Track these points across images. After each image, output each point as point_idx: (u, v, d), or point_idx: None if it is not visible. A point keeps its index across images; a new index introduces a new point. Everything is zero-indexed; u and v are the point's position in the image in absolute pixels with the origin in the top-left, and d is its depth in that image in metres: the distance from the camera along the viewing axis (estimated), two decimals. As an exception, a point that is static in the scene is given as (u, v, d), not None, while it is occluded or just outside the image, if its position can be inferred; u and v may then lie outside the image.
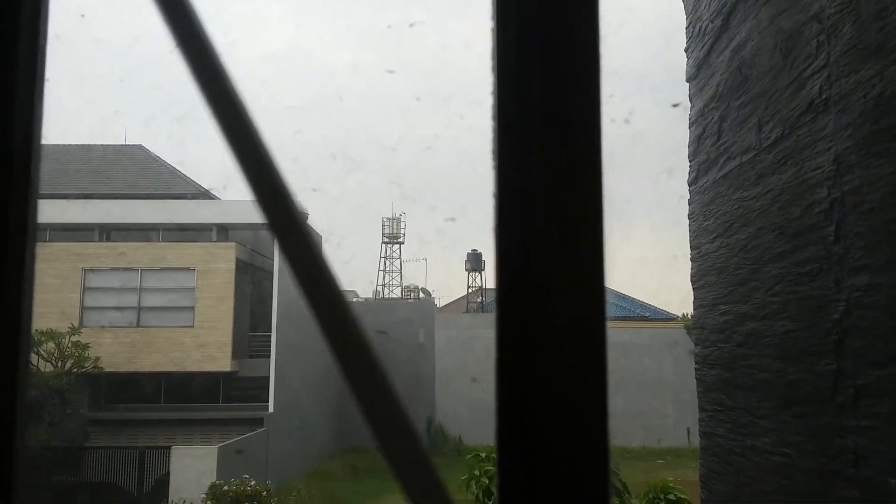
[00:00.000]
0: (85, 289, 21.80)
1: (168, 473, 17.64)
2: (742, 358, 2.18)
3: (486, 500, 8.12)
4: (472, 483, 8.49)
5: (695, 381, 2.54)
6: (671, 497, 8.07)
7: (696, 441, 2.94)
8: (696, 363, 2.59)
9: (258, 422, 21.07)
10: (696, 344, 2.57)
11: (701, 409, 2.50)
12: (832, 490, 1.68)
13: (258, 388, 22.24)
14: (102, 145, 26.94)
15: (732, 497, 2.22)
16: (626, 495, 8.27)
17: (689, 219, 2.55)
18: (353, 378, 0.40)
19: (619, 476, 8.15)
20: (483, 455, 8.74)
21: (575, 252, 0.55)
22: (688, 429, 25.16)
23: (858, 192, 1.53)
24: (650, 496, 8.16)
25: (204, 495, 16.76)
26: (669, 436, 25.93)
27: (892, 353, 1.49)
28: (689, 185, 2.53)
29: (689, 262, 2.52)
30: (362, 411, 0.38)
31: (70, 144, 25.59)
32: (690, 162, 2.52)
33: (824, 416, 1.71)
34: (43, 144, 0.60)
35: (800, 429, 1.84)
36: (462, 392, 28.16)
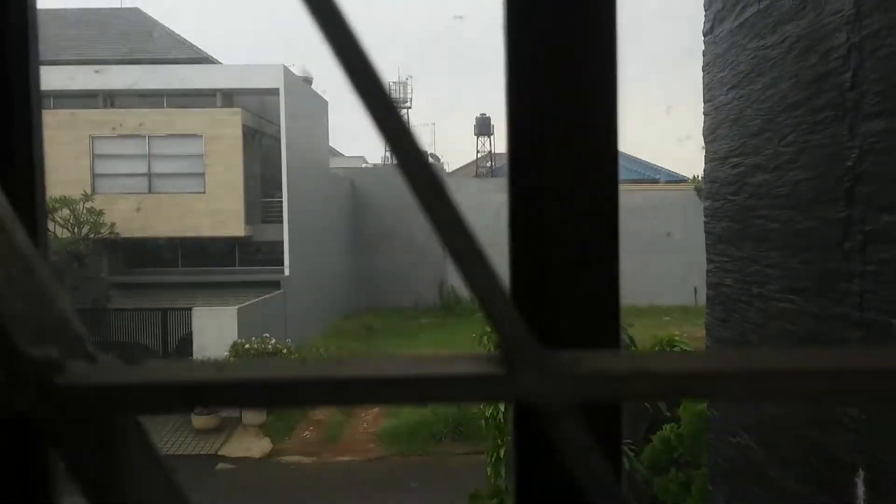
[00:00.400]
0: (94, 156, 21.80)
1: (191, 333, 18.32)
2: (752, 209, 2.20)
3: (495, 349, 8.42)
4: (485, 338, 8.82)
5: (703, 240, 2.57)
6: (677, 349, 8.38)
7: (702, 300, 3.00)
8: (705, 217, 2.61)
9: (275, 284, 21.61)
10: (706, 198, 2.58)
11: (709, 262, 2.54)
12: (835, 332, 1.74)
13: (273, 252, 22.65)
14: (97, 9, 26.12)
15: (737, 342, 2.30)
16: (634, 348, 8.58)
17: (703, 71, 2.50)
18: (443, 229, 0.40)
19: (628, 331, 8.44)
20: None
21: (585, 117, 0.55)
22: (695, 288, 25.65)
23: (877, 36, 1.49)
24: (656, 349, 8.46)
25: (227, 353, 17.48)
26: (677, 295, 26.51)
27: (902, 199, 1.50)
28: (704, 35, 2.46)
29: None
30: (454, 260, 0.38)
31: (66, 9, 24.82)
32: (706, 11, 2.44)
33: (831, 261, 1.74)
34: (39, 9, 0.59)
35: (806, 275, 1.88)
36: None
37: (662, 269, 26.79)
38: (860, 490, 1.61)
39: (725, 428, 2.43)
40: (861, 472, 1.62)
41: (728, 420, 2.36)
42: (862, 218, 1.63)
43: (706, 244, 2.57)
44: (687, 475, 6.11)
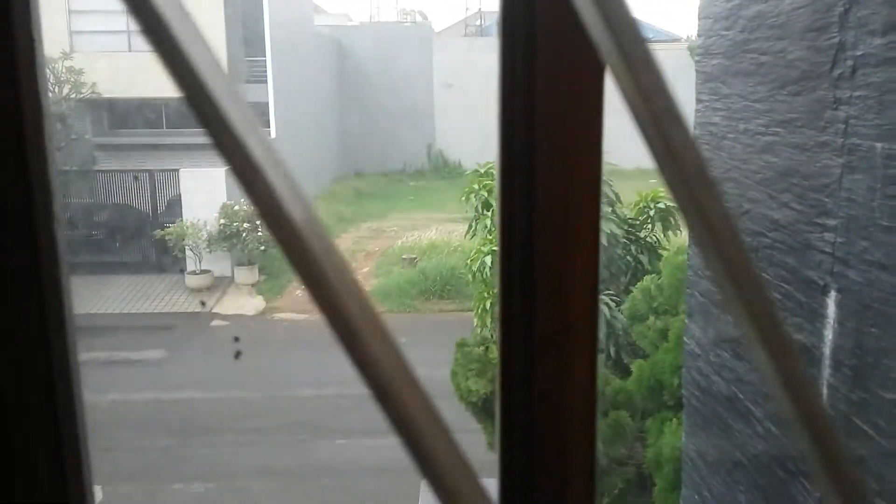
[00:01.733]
0: (70, 11, 20.92)
1: (179, 195, 18.29)
2: (744, 43, 2.17)
3: (484, 210, 8.54)
4: (472, 196, 8.86)
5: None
6: (661, 205, 8.47)
7: None
8: (696, 55, 2.58)
9: (261, 146, 21.36)
10: (698, 35, 2.54)
11: (697, 101, 2.54)
12: (816, 161, 1.77)
13: (258, 113, 22.10)
14: None
15: (720, 179, 2.34)
16: (619, 204, 8.67)
17: None
18: None
19: (612, 187, 8.50)
20: (482, 171, 9.01)
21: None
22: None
23: None
24: (641, 205, 8.56)
25: (217, 215, 17.53)
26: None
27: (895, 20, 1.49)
28: None
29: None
30: None
31: None
32: None
33: (819, 90, 1.74)
34: None
35: (793, 107, 1.89)
36: (460, 117, 28.15)
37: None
38: (831, 310, 1.69)
39: (702, 263, 2.51)
40: (833, 293, 1.69)
41: (708, 255, 2.43)
42: (854, 43, 1.62)
43: (696, 84, 2.55)
44: (665, 322, 6.36)
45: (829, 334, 1.66)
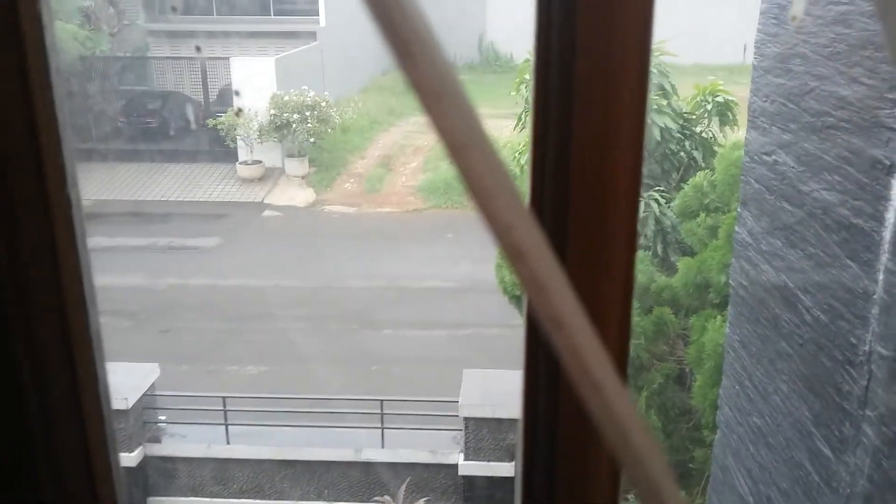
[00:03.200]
0: None
1: (230, 84, 18.26)
2: None
3: (536, 103, 8.29)
4: (523, 87, 8.62)
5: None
6: (719, 99, 8.14)
7: (751, 59, 2.83)
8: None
9: (311, 35, 21.06)
10: None
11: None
12: None
13: (308, 2, 21.81)
14: None
15: (783, 58, 2.19)
16: (675, 97, 8.35)
17: None
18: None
19: (669, 79, 8.16)
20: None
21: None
22: (744, 45, 24.41)
23: None
24: (698, 98, 8.23)
25: (267, 105, 17.51)
26: (723, 53, 25.30)
27: None
28: None
29: None
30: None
31: None
32: None
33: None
34: None
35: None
36: (514, 6, 27.13)
37: (710, 23, 25.35)
38: (895, 191, 1.59)
39: (761, 148, 2.39)
40: (897, 173, 1.59)
41: (765, 139, 2.32)
42: None
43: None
44: (715, 220, 6.22)
45: (890, 217, 1.57)
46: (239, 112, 17.38)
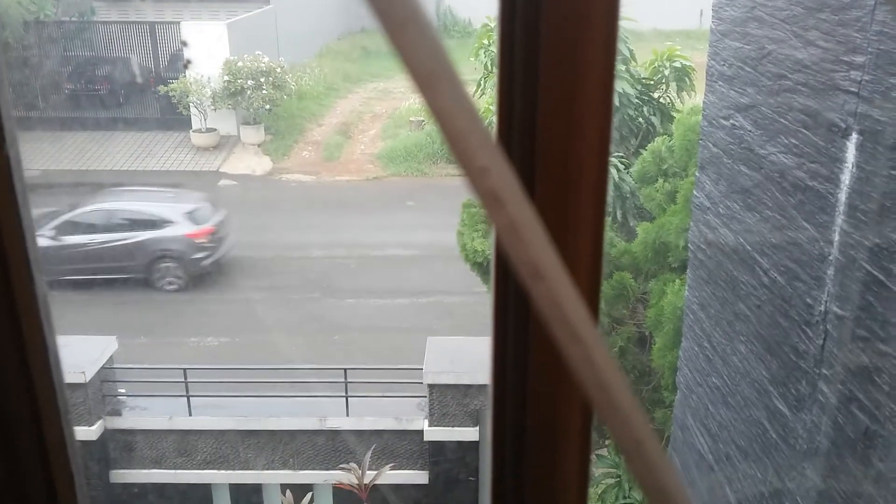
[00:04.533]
0: None
1: (181, 49, 17.80)
2: None
3: (493, 68, 8.23)
4: (481, 52, 8.56)
5: None
6: (677, 65, 8.18)
7: (707, 23, 2.84)
8: None
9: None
10: None
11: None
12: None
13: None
14: None
15: (741, 22, 2.20)
16: (633, 63, 8.38)
17: None
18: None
19: (627, 44, 8.17)
20: (492, 25, 8.63)
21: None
22: (700, 10, 24.55)
23: None
24: (656, 64, 8.27)
25: (220, 71, 17.12)
26: (680, 18, 25.38)
27: None
28: None
29: None
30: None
31: None
32: None
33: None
34: None
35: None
36: (473, -30, 26.82)
37: (670, -9, 25.38)
38: (850, 153, 1.62)
39: (719, 112, 2.41)
40: (854, 136, 1.61)
41: (723, 103, 2.34)
42: None
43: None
44: (673, 185, 6.29)
45: (845, 178, 1.60)
46: (188, 63, 16.99)
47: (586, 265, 0.60)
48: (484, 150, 0.32)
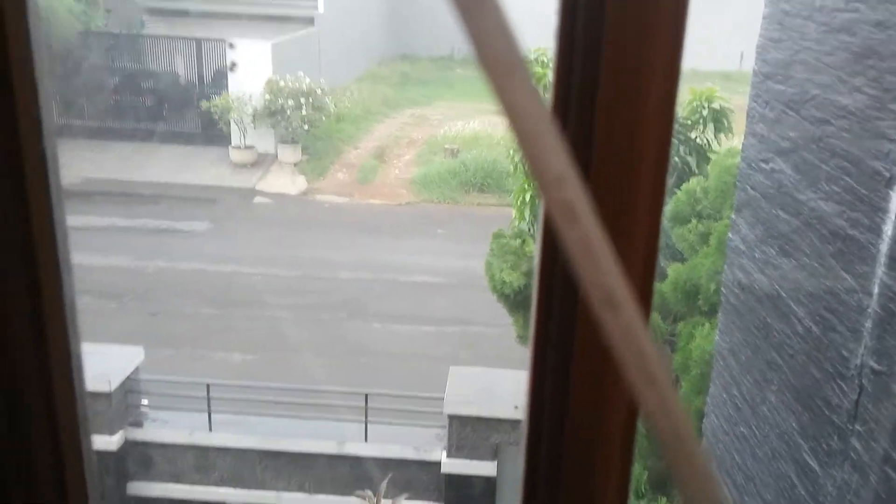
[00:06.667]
0: None
1: (225, 67, 18.13)
2: None
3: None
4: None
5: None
6: (715, 106, 8.11)
7: (748, 66, 2.82)
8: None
9: (309, 21, 20.94)
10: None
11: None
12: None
13: (306, -11, 21.67)
14: None
15: (785, 65, 2.17)
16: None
17: None
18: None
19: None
20: (532, 57, 8.66)
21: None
22: (741, 53, 24.43)
23: None
24: (694, 104, 8.21)
25: (262, 90, 17.39)
26: (718, 59, 25.30)
27: None
28: None
29: None
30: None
31: None
32: None
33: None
34: None
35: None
36: (511, 2, 27.02)
37: (705, 30, 25.32)
38: (894, 203, 1.57)
39: (758, 155, 2.37)
40: (897, 186, 1.57)
41: (763, 146, 2.30)
42: None
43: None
44: (707, 226, 6.20)
45: (888, 229, 1.55)
46: (233, 66, 17.29)
47: (638, 287, 0.57)
48: (560, 158, 0.30)
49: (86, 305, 11.73)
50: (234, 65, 17.62)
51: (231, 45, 17.68)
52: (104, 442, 8.11)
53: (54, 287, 0.56)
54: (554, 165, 0.30)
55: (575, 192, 0.30)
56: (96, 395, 7.89)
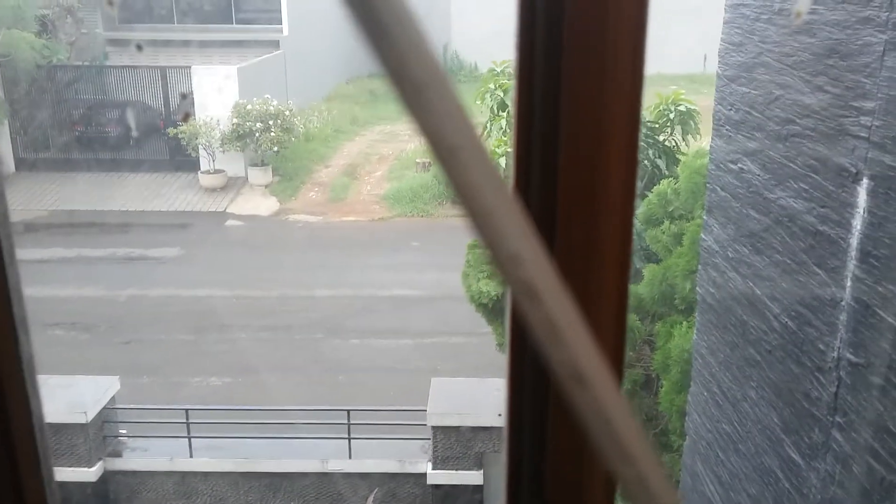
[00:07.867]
0: None
1: (191, 92, 18.03)
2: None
3: (499, 111, 8.33)
4: (487, 96, 8.64)
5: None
6: (682, 108, 8.23)
7: (711, 68, 2.88)
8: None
9: (274, 44, 20.91)
10: None
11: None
12: (857, 39, 1.65)
13: (271, 9, 21.66)
14: None
15: (748, 67, 2.21)
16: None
17: None
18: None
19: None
20: (498, 69, 8.75)
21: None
22: (704, 55, 24.83)
23: None
24: (661, 107, 8.33)
25: (230, 113, 17.32)
26: (684, 63, 25.68)
27: None
28: None
29: None
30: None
31: None
32: None
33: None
34: None
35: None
36: (479, 17, 27.29)
37: (670, 33, 25.71)
38: (861, 198, 1.61)
39: (726, 156, 2.41)
40: (865, 181, 1.61)
41: (730, 147, 2.34)
42: None
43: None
44: (679, 227, 6.28)
45: (857, 224, 1.59)
46: (186, 117, 17.18)
47: (609, 328, 0.57)
48: (516, 234, 0.28)
49: (58, 338, 11.56)
50: (185, 96, 17.59)
51: (184, 95, 17.65)
52: (83, 474, 7.98)
53: (11, 346, 0.54)
54: (509, 242, 0.28)
55: (534, 270, 0.28)
56: (72, 427, 7.76)
